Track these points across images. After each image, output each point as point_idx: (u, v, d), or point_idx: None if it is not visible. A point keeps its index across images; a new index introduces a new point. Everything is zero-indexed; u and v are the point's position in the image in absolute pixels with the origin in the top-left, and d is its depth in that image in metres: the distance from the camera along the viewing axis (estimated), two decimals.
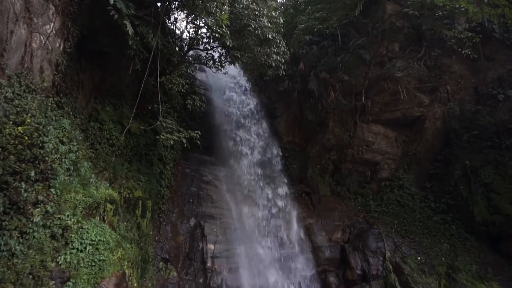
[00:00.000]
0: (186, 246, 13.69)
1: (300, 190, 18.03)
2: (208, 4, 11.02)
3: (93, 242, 7.25)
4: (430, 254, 14.52)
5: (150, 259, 11.89)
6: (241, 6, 12.92)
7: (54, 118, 8.30)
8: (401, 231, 15.83)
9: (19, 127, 6.72)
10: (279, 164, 18.67)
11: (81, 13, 9.94)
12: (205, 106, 14.53)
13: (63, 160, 7.84)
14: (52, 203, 6.92)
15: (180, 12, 13.47)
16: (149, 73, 11.53)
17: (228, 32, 11.83)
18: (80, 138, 9.49)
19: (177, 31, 15.62)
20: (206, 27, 12.40)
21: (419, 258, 14.41)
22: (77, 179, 8.15)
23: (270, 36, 13.10)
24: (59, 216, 6.96)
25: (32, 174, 6.68)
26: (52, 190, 7.08)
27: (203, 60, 15.14)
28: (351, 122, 18.06)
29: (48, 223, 6.70)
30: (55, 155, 7.51)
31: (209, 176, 16.58)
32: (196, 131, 12.14)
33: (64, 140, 8.16)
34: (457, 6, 13.27)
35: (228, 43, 12.06)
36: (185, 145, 12.02)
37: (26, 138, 6.75)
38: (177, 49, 14.89)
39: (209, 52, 14.86)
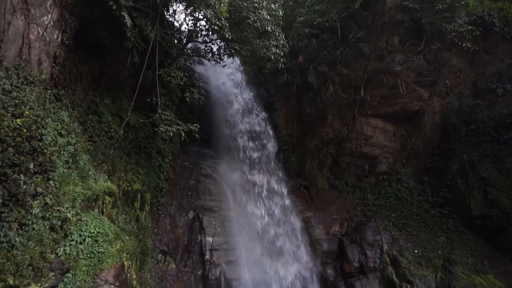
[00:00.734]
0: (185, 239, 13.78)
1: (299, 184, 18.09)
2: None
3: (92, 234, 7.28)
4: (427, 247, 14.63)
5: (149, 251, 11.97)
6: None
7: (52, 110, 8.28)
8: (399, 224, 15.93)
9: (18, 119, 6.71)
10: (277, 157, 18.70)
11: (79, 4, 9.86)
12: (203, 99, 14.48)
13: (61, 152, 7.84)
14: (51, 195, 6.93)
15: (178, 4, 13.37)
16: (147, 66, 11.49)
17: (227, 24, 11.77)
18: (79, 130, 9.48)
19: (176, 24, 15.56)
20: (205, 19, 12.32)
21: (416, 251, 14.52)
22: (76, 172, 8.16)
23: (269, 28, 13.03)
24: (58, 208, 6.97)
25: (31, 166, 6.68)
26: (51, 182, 7.09)
27: (202, 53, 15.07)
28: (349, 116, 18.07)
29: (47, 215, 6.71)
30: (54, 148, 7.51)
31: (208, 169, 16.62)
32: (195, 124, 12.13)
33: (62, 132, 8.15)
34: None
35: (227, 36, 12.00)
36: (184, 138, 12.02)
37: (25, 130, 6.74)
38: (175, 41, 14.81)
39: (208, 45, 14.78)
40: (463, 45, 15.30)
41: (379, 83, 17.12)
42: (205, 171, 16.44)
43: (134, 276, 9.41)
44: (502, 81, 16.11)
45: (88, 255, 6.93)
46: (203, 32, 13.60)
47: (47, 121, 7.54)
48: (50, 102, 8.43)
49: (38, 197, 6.69)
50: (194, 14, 12.61)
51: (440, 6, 14.54)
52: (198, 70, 20.05)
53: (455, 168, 16.54)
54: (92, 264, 6.86)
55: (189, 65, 17.88)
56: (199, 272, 13.11)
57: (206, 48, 15.05)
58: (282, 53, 14.02)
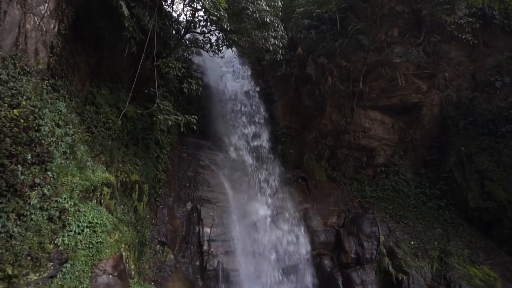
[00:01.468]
0: (183, 230, 13.86)
1: (297, 175, 18.12)
2: None
3: (90, 225, 7.30)
4: (423, 239, 14.75)
5: (147, 242, 12.03)
6: None
7: (49, 101, 8.24)
8: (396, 216, 16.04)
9: (15, 110, 6.68)
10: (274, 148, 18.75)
11: None
12: (201, 90, 14.42)
13: (59, 143, 7.82)
14: (49, 186, 6.94)
15: None
16: (145, 56, 11.41)
17: (226, 15, 11.66)
18: (76, 121, 9.45)
19: (174, 14, 15.37)
20: (203, 10, 12.19)
21: (412, 242, 14.65)
22: (73, 163, 8.15)
23: (268, 19, 12.92)
24: (56, 199, 6.98)
25: (29, 157, 6.67)
26: (48, 173, 7.09)
27: (200, 44, 14.95)
28: (348, 108, 18.04)
29: (45, 206, 6.73)
30: (51, 138, 7.49)
31: (205, 161, 16.63)
32: (193, 116, 12.11)
33: (60, 123, 8.13)
34: None
35: (225, 27, 11.90)
36: (182, 129, 12.01)
37: (22, 121, 6.71)
38: (173, 32, 14.67)
39: (206, 36, 14.65)
40: (463, 37, 15.24)
41: (378, 75, 17.08)
42: (203, 162, 16.45)
43: (133, 267, 9.48)
44: (501, 74, 16.11)
45: (87, 246, 6.96)
46: (202, 23, 13.48)
47: (44, 111, 7.51)
48: (47, 93, 8.38)
49: (36, 188, 6.69)
50: (192, 4, 12.47)
51: None
52: (196, 61, 19.93)
53: (453, 160, 16.62)
54: (91, 254, 6.90)
55: (187, 56, 17.75)
56: (197, 263, 13.21)
57: (204, 39, 14.93)
58: (281, 45, 13.93)
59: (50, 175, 7.10)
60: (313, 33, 17.76)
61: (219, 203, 15.04)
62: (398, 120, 18.62)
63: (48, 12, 8.88)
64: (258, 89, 20.74)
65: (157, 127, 14.01)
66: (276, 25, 13.61)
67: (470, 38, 14.90)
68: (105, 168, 9.63)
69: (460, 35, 15.39)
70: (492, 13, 16.16)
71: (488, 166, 15.13)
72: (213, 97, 19.13)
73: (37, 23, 8.52)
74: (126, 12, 9.52)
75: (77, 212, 7.28)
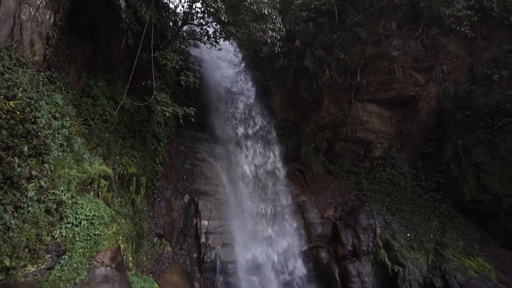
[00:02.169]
0: (180, 222, 13.90)
1: (294, 168, 18.18)
2: None
3: (87, 217, 7.31)
4: (419, 231, 14.89)
5: (145, 234, 12.07)
6: None
7: (46, 93, 8.18)
8: (392, 208, 16.16)
9: (11, 102, 6.63)
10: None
11: None
12: (199, 83, 14.35)
13: (56, 135, 7.78)
14: (46, 178, 6.92)
15: None
16: (142, 48, 11.31)
17: (223, 6, 11.55)
18: (73, 113, 9.39)
19: (171, 5, 15.21)
20: (200, 1, 12.08)
21: (408, 234, 14.78)
22: (70, 155, 8.12)
23: (266, 11, 12.81)
24: (53, 191, 6.98)
25: (25, 149, 6.64)
26: (45, 165, 7.07)
27: (197, 36, 14.81)
28: (345, 101, 18.05)
29: (42, 198, 6.72)
30: (48, 131, 7.46)
31: (203, 153, 16.62)
32: (191, 108, 12.08)
33: (56, 115, 8.07)
34: None
35: (223, 18, 11.79)
36: (180, 121, 11.98)
37: (18, 113, 6.67)
38: (171, 24, 14.54)
39: (203, 28, 14.52)
40: (461, 30, 15.21)
41: (375, 68, 17.06)
42: (200, 155, 16.45)
43: (130, 259, 9.52)
44: (499, 67, 16.11)
45: (84, 238, 6.97)
46: (199, 15, 13.36)
47: (40, 103, 7.46)
48: (44, 85, 8.31)
49: (33, 180, 6.68)
50: None
51: None
52: (193, 53, 19.81)
53: (449, 153, 16.70)
54: (88, 246, 6.91)
55: (185, 48, 17.63)
56: (195, 255, 13.29)
57: (201, 31, 14.79)
58: (278, 37, 13.84)
59: (47, 168, 7.08)
60: (311, 25, 17.68)
61: (216, 195, 15.08)
62: (395, 113, 18.65)
63: (44, 3, 8.77)
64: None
65: (155, 120, 13.97)
66: (274, 17, 13.50)
67: (468, 31, 14.87)
68: (102, 161, 9.61)
69: (458, 28, 15.36)
70: (491, 5, 16.13)
71: (484, 159, 15.22)
72: (210, 89, 19.07)
73: (33, 14, 8.42)
74: (122, 3, 9.42)
75: (75, 205, 7.28)
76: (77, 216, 7.12)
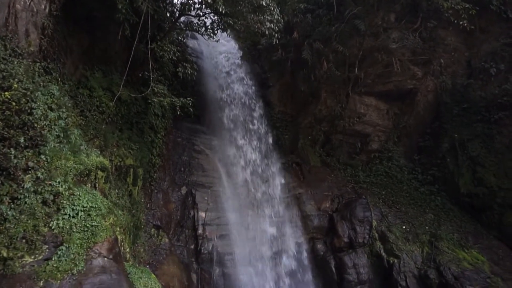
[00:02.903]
0: (178, 214, 13.96)
1: (291, 161, 18.23)
2: None
3: (85, 208, 7.32)
4: (414, 223, 15.02)
5: (142, 225, 12.12)
6: None
7: (42, 83, 8.12)
8: (388, 201, 16.27)
9: (6, 93, 6.58)
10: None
11: None
12: (196, 74, 14.29)
13: (52, 127, 7.75)
14: (42, 170, 6.92)
15: None
16: (139, 39, 11.24)
17: None
18: (69, 105, 9.33)
19: None
20: None
21: (404, 227, 14.91)
22: (67, 146, 8.11)
23: (263, 3, 12.71)
24: (50, 182, 6.97)
25: (22, 140, 6.62)
26: (42, 156, 7.05)
27: (194, 27, 14.72)
28: (343, 94, 18.03)
29: (39, 189, 6.72)
30: (44, 122, 7.42)
31: (200, 145, 16.63)
32: (188, 98, 12.05)
33: (53, 106, 8.03)
34: None
35: (220, 10, 11.70)
36: (176, 113, 11.95)
37: (14, 103, 6.63)
38: (168, 14, 14.42)
39: (201, 19, 14.43)
40: (459, 23, 15.16)
41: (373, 61, 17.03)
42: (197, 147, 16.46)
43: (128, 250, 9.57)
44: (496, 60, 16.12)
45: (82, 229, 6.99)
46: (196, 5, 13.26)
47: (36, 94, 7.42)
48: (39, 75, 8.24)
49: (30, 171, 6.67)
50: None
51: None
52: (191, 45, 19.69)
53: (446, 147, 16.78)
54: (86, 238, 6.93)
55: (182, 39, 17.51)
56: (192, 246, 13.37)
57: (199, 22, 14.70)
58: (276, 29, 13.76)
59: (44, 159, 7.07)
60: (309, 17, 17.57)
61: (213, 187, 15.14)
62: (393, 106, 18.67)
63: None
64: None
65: (152, 111, 13.93)
66: (272, 8, 13.40)
67: (466, 24, 14.83)
68: (99, 152, 9.59)
69: (456, 21, 15.31)
70: None
71: (480, 153, 15.32)
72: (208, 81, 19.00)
73: (28, 3, 8.32)
74: None
75: (72, 196, 7.28)
76: (74, 208, 7.13)
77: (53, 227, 6.65)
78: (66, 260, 6.39)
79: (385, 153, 18.42)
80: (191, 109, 12.51)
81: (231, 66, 20.60)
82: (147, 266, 11.12)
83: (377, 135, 18.77)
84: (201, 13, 13.85)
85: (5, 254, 5.87)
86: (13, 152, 6.35)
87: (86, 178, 8.28)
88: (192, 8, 13.31)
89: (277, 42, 14.50)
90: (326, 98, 18.34)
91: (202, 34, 14.70)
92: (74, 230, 6.86)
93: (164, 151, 15.17)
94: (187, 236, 13.57)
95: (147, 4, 10.61)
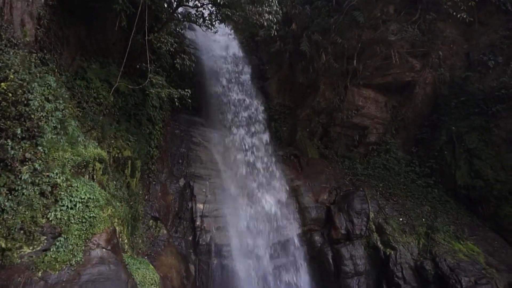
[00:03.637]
0: (176, 205, 14.01)
1: (289, 153, 18.26)
2: None
3: (82, 200, 7.34)
4: (411, 216, 15.11)
5: (140, 217, 12.16)
6: None
7: (38, 75, 8.07)
8: (386, 193, 16.34)
9: (2, 83, 6.55)
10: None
11: None
12: (194, 66, 14.23)
13: (49, 118, 7.73)
14: (40, 161, 6.91)
15: None
16: (136, 30, 11.14)
17: None
18: (67, 96, 9.29)
19: None
20: None
21: (401, 219, 15.00)
22: (64, 138, 8.09)
23: None
24: (47, 173, 6.97)
25: (18, 131, 6.61)
26: (39, 148, 7.04)
27: (192, 18, 14.61)
28: (342, 86, 18.00)
29: (37, 181, 6.72)
30: (41, 113, 7.40)
31: (198, 137, 16.63)
32: (186, 90, 12.02)
33: (50, 97, 8.00)
34: None
35: (218, 0, 11.64)
36: (174, 105, 11.92)
37: (10, 94, 6.61)
38: (165, 5, 14.29)
39: (199, 10, 14.31)
40: (459, 15, 15.10)
41: (372, 53, 16.96)
42: (196, 139, 16.45)
43: (126, 241, 9.61)
44: (494, 53, 16.09)
45: (80, 220, 7.02)
46: None
47: (33, 85, 7.38)
48: (36, 66, 8.19)
49: (27, 163, 6.67)
50: None
51: None
52: (189, 36, 19.54)
53: (443, 139, 16.82)
54: (84, 229, 6.97)
55: (180, 30, 17.38)
56: (190, 238, 13.44)
57: (197, 13, 14.59)
58: (275, 20, 13.67)
59: (41, 150, 7.06)
60: (308, 8, 17.44)
61: (211, 179, 15.17)
62: (391, 99, 18.66)
63: None
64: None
65: (149, 103, 13.87)
66: None
67: (465, 16, 14.77)
68: (97, 144, 9.58)
69: (455, 13, 15.25)
70: None
71: (477, 145, 15.37)
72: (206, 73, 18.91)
73: None
74: None
75: (69, 187, 7.29)
76: (72, 199, 7.15)
77: (51, 218, 6.68)
78: (64, 251, 6.43)
79: (383, 146, 18.45)
80: (189, 101, 12.48)
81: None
82: (145, 257, 11.18)
83: (375, 128, 18.79)
84: (199, 4, 13.74)
85: (3, 245, 5.90)
86: (10, 143, 6.35)
87: (83, 169, 8.28)
88: None
89: (276, 33, 14.44)
90: (324, 90, 18.31)
91: (200, 25, 14.59)
92: (72, 221, 6.88)
93: (162, 143, 15.16)
94: (185, 227, 13.63)
95: None
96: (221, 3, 11.93)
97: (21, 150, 6.62)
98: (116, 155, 11.20)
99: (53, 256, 6.28)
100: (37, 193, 6.68)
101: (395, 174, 17.36)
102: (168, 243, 12.50)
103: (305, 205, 16.10)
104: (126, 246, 9.59)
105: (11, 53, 7.29)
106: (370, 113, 18.50)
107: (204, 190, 14.52)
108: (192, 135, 16.57)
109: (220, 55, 20.41)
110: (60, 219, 6.79)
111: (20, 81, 6.95)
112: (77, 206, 7.17)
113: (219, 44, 21.12)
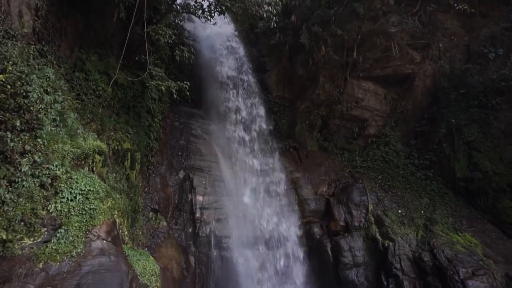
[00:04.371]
0: (175, 198, 14.06)
1: (288, 145, 18.28)
2: None
3: (82, 192, 7.37)
4: (410, 208, 15.18)
5: (140, 209, 12.21)
6: None
7: (37, 66, 8.04)
8: (385, 186, 16.38)
9: (1, 75, 6.52)
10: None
11: None
12: (193, 58, 14.16)
13: (48, 110, 7.71)
14: (39, 153, 6.92)
15: None
16: (135, 22, 11.06)
17: None
18: (65, 88, 9.27)
19: None
20: None
21: (399, 211, 15.07)
22: (64, 130, 8.09)
23: None
24: (47, 166, 6.98)
25: (18, 123, 6.59)
26: (39, 140, 7.04)
27: (191, 9, 14.49)
28: (341, 78, 17.95)
29: (36, 173, 6.74)
30: (40, 105, 7.38)
31: (198, 130, 16.63)
32: (185, 82, 11.98)
33: (48, 90, 7.97)
34: None
35: None
36: (174, 98, 11.88)
37: (9, 86, 6.58)
38: None
39: (198, 1, 14.20)
40: (459, 7, 15.00)
41: (372, 45, 16.88)
42: (195, 131, 16.46)
43: (126, 233, 9.67)
44: (495, 45, 16.00)
45: (80, 212, 7.06)
46: None
47: (32, 77, 7.34)
48: (34, 58, 8.15)
49: (27, 155, 6.67)
50: None
51: None
52: (188, 28, 19.42)
53: (443, 132, 16.82)
54: (84, 221, 7.01)
55: (179, 22, 17.26)
56: (190, 230, 13.52)
57: (196, 4, 14.46)
58: (274, 11, 13.58)
59: (41, 142, 7.06)
60: None
61: (211, 171, 15.20)
62: (390, 91, 18.61)
63: None
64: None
65: (149, 95, 13.85)
66: None
67: (466, 7, 14.67)
68: (96, 136, 9.59)
69: (456, 4, 15.14)
70: None
71: (476, 138, 15.37)
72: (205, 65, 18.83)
73: None
74: None
75: (69, 179, 7.32)
76: (72, 191, 7.18)
77: (51, 210, 6.71)
78: (65, 242, 6.47)
79: (382, 138, 18.45)
80: (188, 93, 12.45)
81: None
82: (146, 248, 11.25)
83: (375, 120, 18.77)
84: None
85: (4, 237, 5.94)
86: (9, 136, 6.34)
87: (83, 161, 8.30)
88: None
89: (275, 25, 14.35)
90: (324, 82, 18.26)
91: (199, 17, 14.48)
92: (73, 213, 6.92)
93: (161, 135, 15.17)
94: (185, 219, 13.70)
95: None
96: None
97: (20, 142, 6.62)
98: (116, 147, 11.21)
99: (53, 247, 6.33)
100: (37, 185, 6.70)
101: (394, 167, 17.38)
102: (168, 235, 12.58)
103: (304, 197, 16.17)
104: (127, 238, 9.65)
105: (9, 44, 7.24)
106: (370, 106, 18.46)
107: (203, 182, 14.56)
108: (191, 127, 16.57)
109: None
110: (60, 211, 6.82)
111: (18, 73, 6.91)
112: (77, 198, 7.20)
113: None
